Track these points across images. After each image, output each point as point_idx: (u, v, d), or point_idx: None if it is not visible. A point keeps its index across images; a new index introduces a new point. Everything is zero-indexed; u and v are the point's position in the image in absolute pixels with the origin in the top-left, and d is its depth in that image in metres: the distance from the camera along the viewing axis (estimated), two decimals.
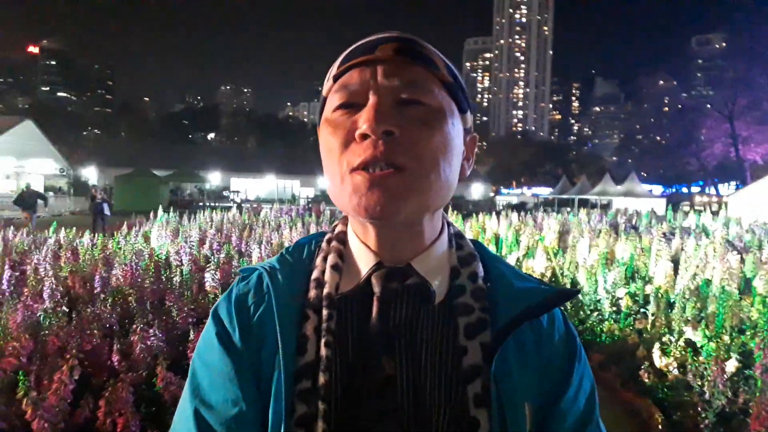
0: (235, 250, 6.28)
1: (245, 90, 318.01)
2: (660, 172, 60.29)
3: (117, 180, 31.22)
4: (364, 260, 0.71)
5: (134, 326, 2.91)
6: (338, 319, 0.68)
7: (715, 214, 15.30)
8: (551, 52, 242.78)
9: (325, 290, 0.70)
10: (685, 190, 59.03)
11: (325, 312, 0.68)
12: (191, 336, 3.60)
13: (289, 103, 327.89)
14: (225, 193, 41.94)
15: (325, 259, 0.74)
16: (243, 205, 23.13)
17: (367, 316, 0.68)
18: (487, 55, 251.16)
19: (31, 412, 1.96)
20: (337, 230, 0.78)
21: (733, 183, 47.06)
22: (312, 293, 0.71)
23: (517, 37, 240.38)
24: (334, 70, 0.70)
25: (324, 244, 0.77)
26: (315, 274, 0.73)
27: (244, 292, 0.73)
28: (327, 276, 0.71)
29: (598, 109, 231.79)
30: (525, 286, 0.72)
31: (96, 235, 8.30)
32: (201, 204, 31.98)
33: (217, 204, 30.49)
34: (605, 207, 29.01)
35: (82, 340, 2.83)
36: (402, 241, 0.69)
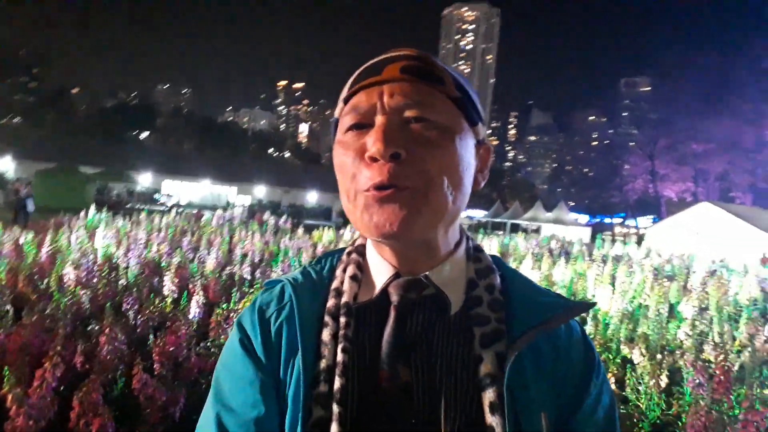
0: (186, 255, 6.14)
1: (184, 91, 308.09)
2: (586, 203, 63.90)
3: (38, 175, 29.05)
4: (381, 272, 0.73)
5: (103, 327, 2.83)
6: (356, 327, 0.70)
7: (638, 244, 16.46)
8: (492, 80, 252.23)
9: (344, 299, 0.72)
10: (608, 220, 62.70)
11: (342, 320, 0.70)
12: (150, 342, 3.54)
13: (229, 108, 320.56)
14: (156, 196, 40.28)
15: (344, 270, 0.77)
16: (176, 209, 22.39)
17: (385, 325, 0.70)
18: None
19: (16, 408, 1.90)
20: (357, 243, 0.81)
21: (650, 216, 50.51)
22: (331, 302, 0.73)
23: (461, 62, 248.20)
24: (344, 92, 0.72)
25: (344, 256, 0.80)
26: (335, 284, 0.76)
27: (267, 302, 0.76)
28: (346, 286, 0.74)
29: (533, 138, 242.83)
30: (543, 300, 0.74)
31: (23, 231, 7.84)
32: (129, 206, 30.55)
33: (147, 207, 29.23)
34: (535, 232, 30.33)
35: (44, 340, 2.73)
36: (417, 255, 0.71)
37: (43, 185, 27.50)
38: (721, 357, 3.02)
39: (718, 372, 2.92)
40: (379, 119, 0.66)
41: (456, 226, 0.75)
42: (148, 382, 2.48)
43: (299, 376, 0.67)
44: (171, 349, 2.84)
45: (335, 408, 0.65)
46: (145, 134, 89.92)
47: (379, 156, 0.63)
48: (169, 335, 2.88)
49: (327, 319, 0.72)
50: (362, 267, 0.77)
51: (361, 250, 0.79)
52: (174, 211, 14.67)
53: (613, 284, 5.77)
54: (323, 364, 0.68)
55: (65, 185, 27.53)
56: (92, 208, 11.81)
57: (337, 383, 0.66)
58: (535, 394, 0.67)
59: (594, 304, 0.82)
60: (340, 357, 0.68)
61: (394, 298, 0.71)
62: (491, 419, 0.64)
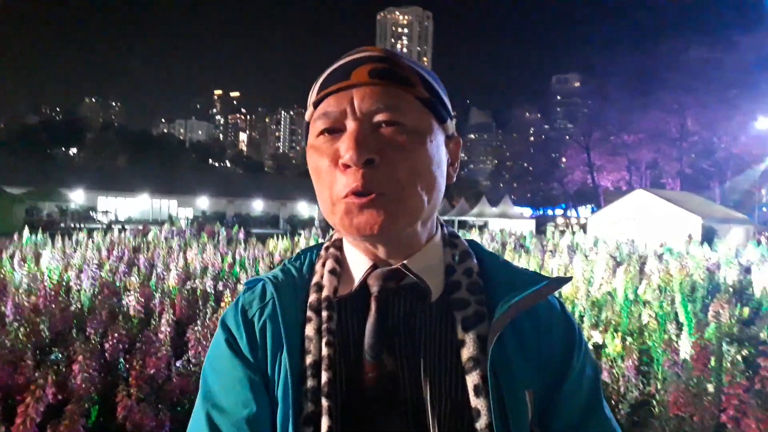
0: (145, 273, 5.87)
1: (114, 103, 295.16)
2: (528, 196, 65.97)
3: None
4: (360, 264, 0.74)
5: (75, 355, 2.65)
6: (339, 320, 0.71)
7: (583, 231, 17.16)
8: None
9: (324, 293, 0.73)
10: (550, 212, 64.98)
11: (324, 313, 0.71)
12: (120, 365, 3.35)
13: (164, 120, 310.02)
14: (92, 214, 38.34)
15: (323, 264, 0.77)
16: (114, 226, 21.31)
17: (366, 316, 0.71)
18: None
19: None
20: (333, 238, 0.82)
21: (589, 206, 52.74)
22: (313, 297, 0.74)
23: None
24: (313, 96, 0.72)
25: (322, 252, 0.80)
26: (315, 279, 0.76)
27: (250, 301, 0.76)
28: (325, 280, 0.75)
29: (473, 136, 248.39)
30: (520, 278, 0.75)
31: None
32: (63, 225, 28.91)
33: (83, 225, 27.75)
34: (482, 228, 31.02)
35: (10, 373, 2.52)
36: (394, 247, 0.72)
37: None
38: (697, 335, 3.17)
39: (695, 350, 3.07)
40: (351, 125, 0.67)
41: (433, 217, 0.76)
42: (133, 408, 2.33)
43: (287, 373, 0.68)
44: (151, 371, 2.69)
45: (324, 402, 0.65)
46: (74, 150, 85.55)
47: (353, 164, 0.64)
48: (148, 357, 2.72)
49: (310, 314, 0.72)
50: (340, 261, 0.77)
51: (338, 244, 0.80)
52: (115, 228, 14.03)
53: (567, 273, 5.97)
54: (309, 359, 0.68)
55: None
56: (26, 231, 11.12)
57: (324, 377, 0.66)
58: (519, 373, 0.68)
59: (570, 278, 0.84)
60: (324, 351, 0.68)
61: (374, 288, 0.71)
62: (476, 402, 0.65)
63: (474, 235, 14.19)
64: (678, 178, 42.31)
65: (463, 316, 0.69)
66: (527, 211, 54.73)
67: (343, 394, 0.67)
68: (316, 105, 0.72)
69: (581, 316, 5.31)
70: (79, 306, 4.65)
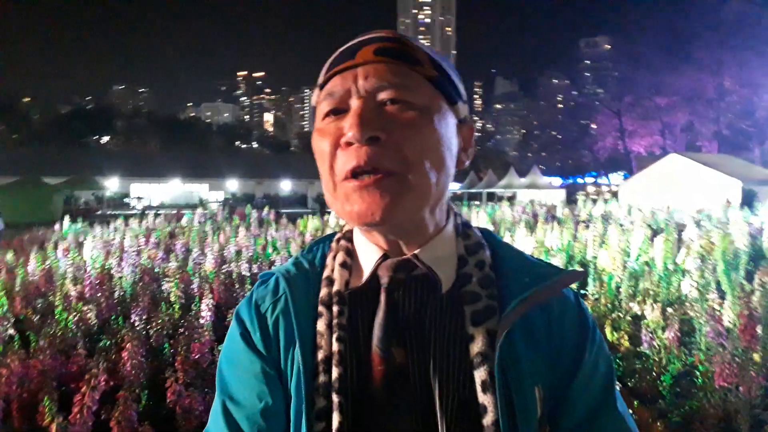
0: (182, 259, 6.01)
1: (141, 90, 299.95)
2: (557, 165, 64.69)
3: (1, 190, 27.95)
4: (370, 255, 0.73)
5: (123, 342, 2.75)
6: (349, 314, 0.71)
7: (615, 199, 16.78)
8: (454, 52, 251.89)
9: (335, 287, 0.72)
10: (580, 180, 63.71)
11: (335, 308, 0.70)
12: (165, 351, 3.46)
13: (190, 104, 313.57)
14: (126, 200, 39.33)
15: (335, 257, 0.77)
16: (148, 212, 21.81)
17: (377, 309, 0.70)
18: None
19: None
20: (345, 229, 0.81)
21: (621, 173, 51.46)
22: (324, 291, 0.73)
23: (421, 36, 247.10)
24: (320, 79, 0.71)
25: (333, 244, 0.79)
26: (326, 273, 0.75)
27: (263, 296, 0.76)
28: (336, 274, 0.74)
29: (499, 106, 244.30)
30: (534, 271, 0.72)
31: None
32: (100, 212, 29.76)
33: (118, 212, 28.46)
34: (511, 199, 30.62)
35: (64, 362, 2.64)
36: (404, 236, 0.70)
37: (8, 200, 26.46)
38: (742, 304, 3.09)
39: (741, 319, 3.00)
40: (355, 103, 0.65)
41: (443, 204, 0.74)
42: (182, 393, 2.42)
43: (299, 369, 0.68)
44: (196, 356, 2.78)
45: (335, 397, 0.65)
46: (106, 138, 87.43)
47: (355, 140, 0.62)
48: (192, 343, 2.81)
49: (321, 309, 0.71)
50: (351, 253, 0.76)
51: (349, 236, 0.79)
52: (150, 214, 14.37)
53: (604, 244, 5.86)
54: (321, 354, 0.68)
55: (31, 198, 26.59)
56: (66, 219, 11.50)
57: (335, 373, 0.66)
58: (528, 369, 0.67)
59: (584, 272, 0.84)
60: (335, 346, 0.68)
61: (384, 280, 0.71)
62: (483, 398, 0.64)
63: (504, 207, 14.04)
64: (715, 140, 40.75)
65: (473, 310, 0.68)
66: (557, 181, 53.78)
67: (354, 388, 0.67)
68: (322, 87, 0.70)
69: (618, 287, 5.23)
70: (122, 293, 4.82)
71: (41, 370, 2.52)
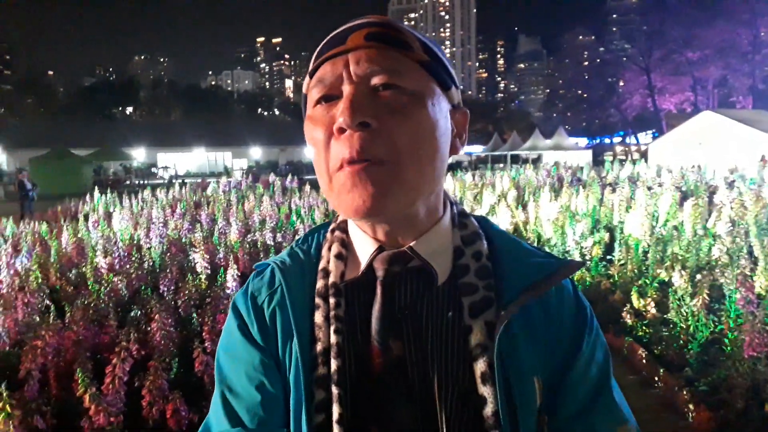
0: (207, 229, 6.11)
1: (161, 59, 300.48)
2: (583, 125, 63.14)
3: (32, 162, 28.56)
4: (366, 247, 0.72)
5: (151, 313, 2.82)
6: (346, 306, 0.70)
7: (644, 160, 16.36)
8: (475, 11, 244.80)
9: (331, 279, 0.72)
10: (607, 140, 62.21)
11: (332, 300, 0.70)
12: (194, 320, 3.55)
13: (210, 72, 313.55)
14: (153, 170, 39.96)
15: (329, 248, 0.75)
16: (175, 181, 22.05)
17: (374, 301, 0.69)
18: (412, 15, 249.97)
19: (95, 407, 1.90)
20: (339, 219, 0.79)
21: (650, 132, 50.00)
22: (320, 283, 0.72)
23: None
24: (311, 65, 0.70)
25: (328, 234, 0.78)
26: (321, 264, 0.74)
27: (259, 288, 0.76)
28: (331, 265, 0.73)
29: (522, 65, 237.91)
30: (531, 261, 0.72)
31: (28, 221, 7.79)
32: (129, 183, 30.35)
33: (146, 182, 28.96)
34: (535, 161, 30.10)
35: (97, 332, 2.73)
36: (399, 227, 0.69)
37: (40, 172, 27.06)
38: None
39: None
40: (347, 89, 0.63)
41: (439, 193, 0.73)
42: (209, 363, 2.48)
43: (297, 361, 0.68)
44: (221, 326, 2.84)
45: (334, 389, 0.65)
46: (130, 109, 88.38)
47: (347, 126, 0.61)
48: (218, 313, 2.87)
49: (318, 301, 0.71)
50: (346, 244, 0.75)
51: (343, 227, 0.77)
52: (176, 183, 14.56)
53: (630, 208, 5.73)
54: (319, 347, 0.68)
55: (61, 170, 27.26)
56: (96, 191, 11.74)
57: (334, 365, 0.66)
58: (527, 360, 0.67)
59: (583, 263, 0.80)
60: (333, 339, 0.68)
61: (380, 273, 0.70)
62: (483, 389, 0.64)
63: (528, 170, 13.82)
64: (750, 95, 39.11)
65: (471, 301, 0.68)
66: (583, 141, 52.64)
67: (353, 380, 0.67)
68: (312, 75, 0.69)
69: (645, 252, 5.14)
70: (151, 264, 4.94)
71: (75, 341, 2.61)
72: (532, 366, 0.67)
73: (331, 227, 0.79)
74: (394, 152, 0.62)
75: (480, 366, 0.65)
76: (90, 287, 3.94)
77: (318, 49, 0.69)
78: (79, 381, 1.98)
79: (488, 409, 0.63)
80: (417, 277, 0.70)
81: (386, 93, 0.63)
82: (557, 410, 0.69)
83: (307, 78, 0.70)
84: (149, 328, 2.97)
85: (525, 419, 0.64)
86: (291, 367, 0.69)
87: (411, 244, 0.69)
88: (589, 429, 0.68)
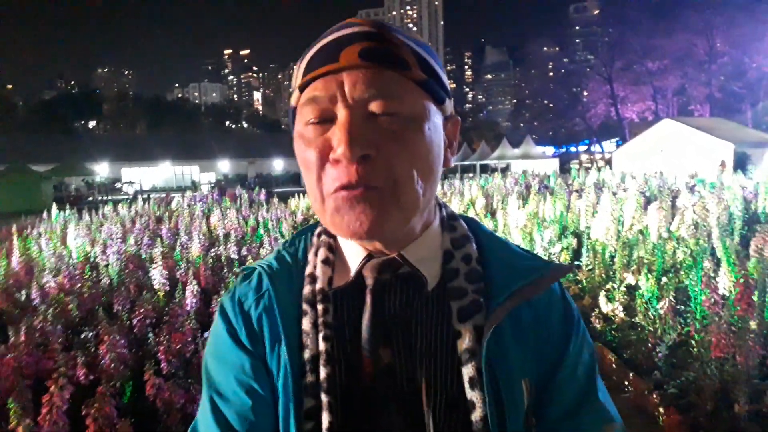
0: (168, 244, 5.89)
1: (126, 72, 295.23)
2: (550, 134, 64.37)
3: None
4: (354, 253, 0.71)
5: (101, 333, 2.64)
6: (334, 313, 0.69)
7: (609, 166, 16.71)
8: (442, 23, 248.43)
9: (318, 285, 0.70)
10: (573, 149, 63.51)
11: (320, 307, 0.69)
12: (150, 341, 3.37)
13: (177, 85, 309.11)
14: (117, 185, 38.96)
15: (316, 254, 0.74)
16: (140, 196, 21.52)
17: (363, 308, 0.69)
18: None
19: None
20: None
21: (614, 140, 51.25)
22: (307, 289, 0.71)
23: (408, 7, 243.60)
24: (299, 78, 0.66)
25: (314, 239, 0.76)
26: (308, 270, 0.73)
27: (245, 292, 0.74)
28: (318, 271, 0.71)
29: (490, 76, 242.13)
30: (521, 264, 0.71)
31: None
32: (91, 199, 29.46)
33: (110, 197, 28.14)
34: (504, 170, 30.52)
35: (38, 357, 2.54)
36: (389, 239, 0.68)
37: None
38: (740, 273, 3.01)
39: (737, 287, 2.92)
40: (342, 114, 0.61)
41: (429, 205, 0.71)
42: (162, 386, 2.33)
43: (286, 367, 0.67)
44: (178, 346, 2.68)
45: (324, 397, 0.65)
46: (93, 123, 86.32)
47: (346, 160, 0.59)
48: (174, 332, 2.71)
49: (305, 307, 0.70)
50: (334, 249, 0.74)
51: (330, 232, 0.75)
52: (140, 198, 14.17)
53: (595, 213, 5.78)
54: (307, 353, 0.67)
55: (19, 186, 26.16)
56: (54, 208, 11.29)
57: (323, 373, 0.66)
58: (516, 363, 0.67)
59: (573, 266, 0.77)
60: (322, 346, 0.67)
61: (369, 281, 0.69)
62: (471, 394, 0.64)
63: (496, 178, 13.93)
64: (707, 103, 40.50)
65: (460, 306, 0.67)
66: (550, 150, 53.56)
67: (343, 388, 0.66)
68: (302, 89, 0.65)
69: (612, 257, 5.17)
70: (108, 281, 4.71)
71: (14, 368, 2.42)
72: (520, 368, 0.67)
73: (317, 231, 0.77)
74: (391, 180, 0.61)
75: (468, 371, 0.64)
76: (37, 309, 3.71)
77: (307, 60, 0.65)
78: (11, 412, 1.81)
79: (476, 414, 0.63)
80: (407, 283, 0.69)
81: (384, 119, 0.61)
82: (545, 412, 0.69)
83: (296, 92, 0.67)
84: (99, 351, 2.79)
85: (513, 423, 0.64)
86: (279, 373, 0.68)
87: (401, 251, 0.68)
88: (576, 428, 0.68)
